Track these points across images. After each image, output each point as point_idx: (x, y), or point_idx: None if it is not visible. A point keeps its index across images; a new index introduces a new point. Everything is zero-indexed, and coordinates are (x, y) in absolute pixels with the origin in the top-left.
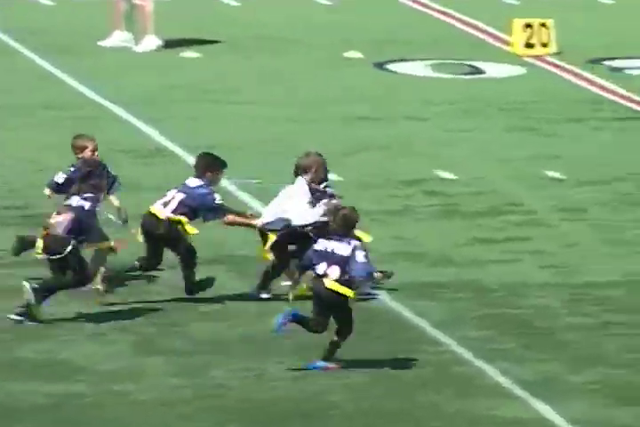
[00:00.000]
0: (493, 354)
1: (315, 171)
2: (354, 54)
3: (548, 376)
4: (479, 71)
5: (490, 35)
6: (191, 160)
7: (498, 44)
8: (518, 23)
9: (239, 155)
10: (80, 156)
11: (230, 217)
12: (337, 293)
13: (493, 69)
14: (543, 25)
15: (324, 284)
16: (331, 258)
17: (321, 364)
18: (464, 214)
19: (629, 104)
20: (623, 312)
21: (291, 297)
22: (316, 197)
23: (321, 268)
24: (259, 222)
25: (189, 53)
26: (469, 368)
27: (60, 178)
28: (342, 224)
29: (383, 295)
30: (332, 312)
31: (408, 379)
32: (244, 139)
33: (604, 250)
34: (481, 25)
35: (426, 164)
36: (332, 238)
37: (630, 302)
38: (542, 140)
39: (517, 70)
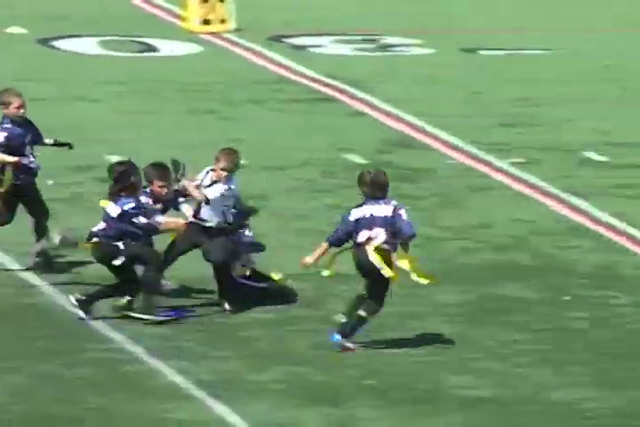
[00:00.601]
0: (169, 352)
1: (217, 161)
2: (16, 30)
3: (228, 375)
4: (152, 49)
5: (163, 10)
6: None
7: (172, 20)
8: None
9: None
10: (5, 111)
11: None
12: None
13: (168, 47)
14: (221, 0)
15: (366, 252)
16: (372, 223)
17: (338, 339)
18: None
19: (312, 84)
20: (309, 306)
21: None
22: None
23: (362, 235)
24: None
25: None
26: (143, 367)
27: None
28: (374, 187)
29: (50, 290)
30: (368, 281)
31: (77, 380)
32: None
33: (289, 240)
34: None
35: (97, 149)
36: (366, 204)
37: (316, 295)
38: (221, 123)
39: (194, 48)
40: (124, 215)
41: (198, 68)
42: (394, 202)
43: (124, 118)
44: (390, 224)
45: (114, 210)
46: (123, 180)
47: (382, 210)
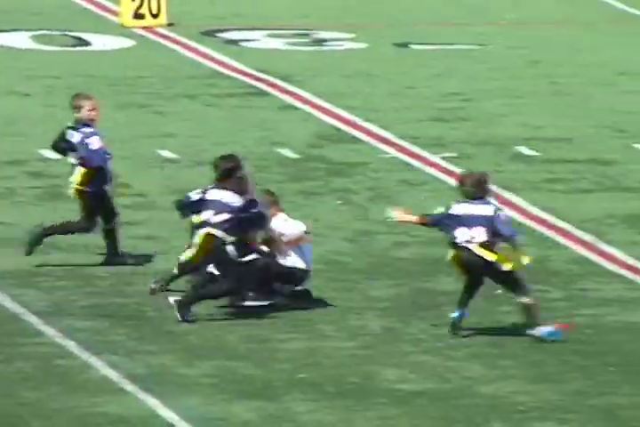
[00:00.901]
0: (101, 346)
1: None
2: None
3: (160, 370)
4: (85, 43)
5: (96, 4)
6: None
7: (105, 15)
8: None
9: None
10: (77, 115)
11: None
12: (484, 259)
13: (100, 41)
14: None
15: (472, 251)
16: (470, 222)
17: (545, 331)
18: (70, 197)
19: (245, 78)
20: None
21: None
22: None
23: (461, 233)
24: None
25: None
26: (74, 362)
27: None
28: (480, 186)
29: None
30: (485, 277)
31: (8, 374)
32: None
33: None
34: None
35: (29, 143)
36: (464, 202)
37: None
38: (154, 117)
39: (126, 43)
40: (245, 207)
41: (131, 63)
42: (493, 203)
43: (56, 113)
44: (491, 224)
45: (236, 199)
46: (230, 176)
47: (481, 209)
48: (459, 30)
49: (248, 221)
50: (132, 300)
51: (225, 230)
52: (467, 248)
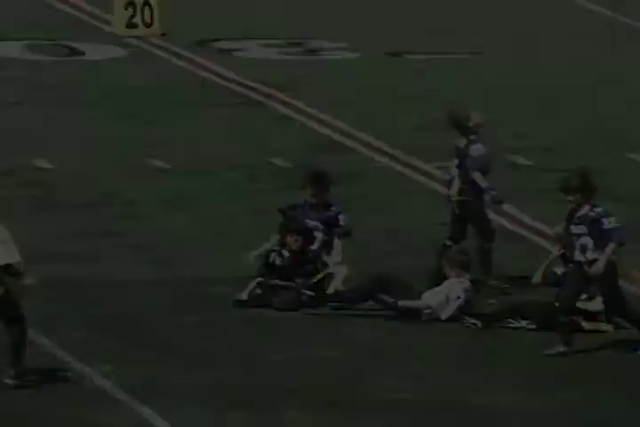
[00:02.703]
0: (95, 356)
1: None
2: None
3: (153, 379)
4: (78, 53)
5: (88, 13)
6: None
7: (98, 24)
8: (119, 1)
9: None
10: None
11: None
12: None
13: (93, 51)
14: (147, 4)
15: None
16: None
17: None
18: (64, 206)
19: (238, 88)
20: (230, 310)
21: None
22: None
23: None
24: None
25: None
26: (69, 372)
27: None
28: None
29: None
30: None
31: (2, 383)
32: None
33: (214, 244)
34: (79, 2)
35: (22, 152)
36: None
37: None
38: (147, 127)
39: (119, 52)
40: None
41: (124, 72)
42: None
43: (48, 121)
44: None
45: None
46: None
47: None
48: (452, 39)
49: None
50: (124, 309)
51: None
52: None
